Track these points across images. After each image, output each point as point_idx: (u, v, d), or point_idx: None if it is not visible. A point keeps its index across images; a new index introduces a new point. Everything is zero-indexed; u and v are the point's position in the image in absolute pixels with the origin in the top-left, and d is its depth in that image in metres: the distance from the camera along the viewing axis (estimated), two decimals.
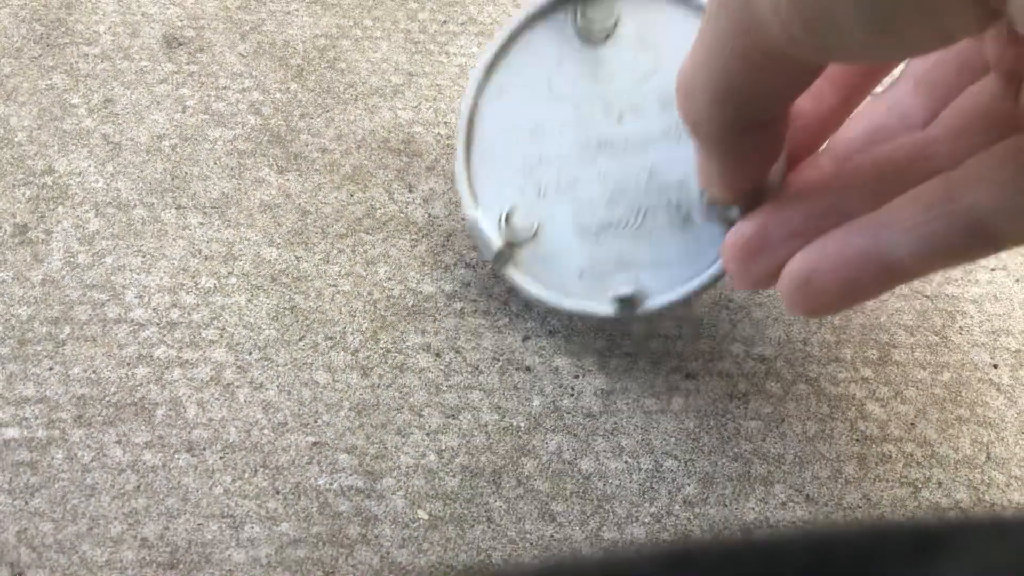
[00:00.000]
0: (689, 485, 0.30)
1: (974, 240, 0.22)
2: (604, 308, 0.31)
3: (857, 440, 0.32)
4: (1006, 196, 0.22)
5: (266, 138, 0.37)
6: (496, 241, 0.32)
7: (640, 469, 0.31)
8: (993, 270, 0.35)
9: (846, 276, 0.24)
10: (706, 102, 0.24)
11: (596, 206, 0.31)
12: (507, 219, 0.32)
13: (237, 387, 0.31)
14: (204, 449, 0.30)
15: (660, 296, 0.31)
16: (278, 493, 0.30)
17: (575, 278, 0.32)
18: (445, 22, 0.40)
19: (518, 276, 0.32)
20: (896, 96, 0.28)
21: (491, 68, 0.33)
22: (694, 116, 0.25)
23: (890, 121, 0.28)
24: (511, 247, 0.32)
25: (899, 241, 0.23)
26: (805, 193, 0.27)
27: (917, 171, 0.25)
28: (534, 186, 0.32)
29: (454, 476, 0.30)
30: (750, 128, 0.24)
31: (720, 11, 0.22)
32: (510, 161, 0.32)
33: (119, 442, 0.30)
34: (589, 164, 0.32)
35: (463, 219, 0.33)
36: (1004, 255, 0.36)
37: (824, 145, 0.30)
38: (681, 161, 0.31)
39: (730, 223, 0.29)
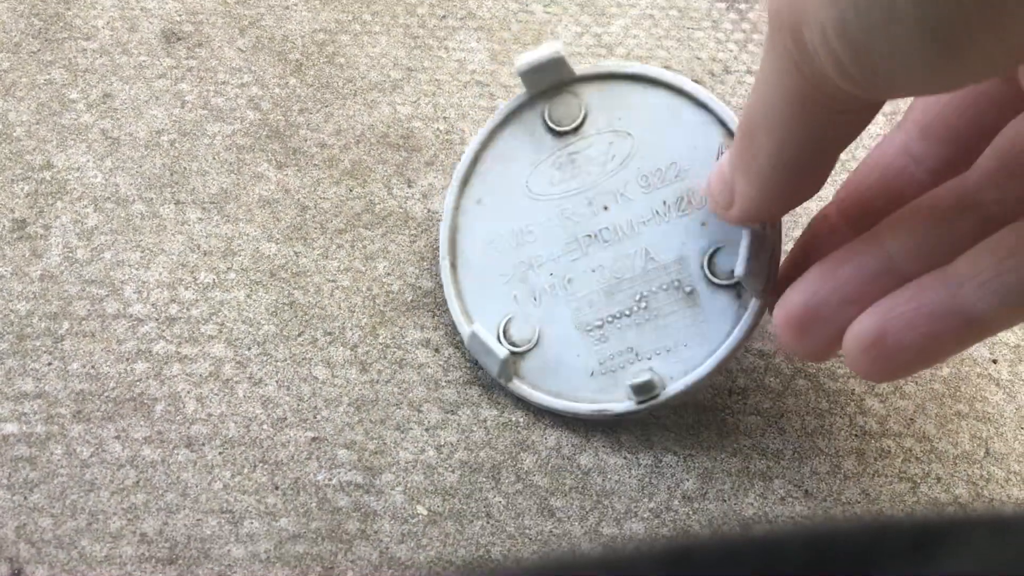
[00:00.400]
0: (688, 480, 0.30)
1: None
2: (621, 404, 0.30)
3: (856, 435, 0.32)
4: None
5: (265, 133, 0.37)
6: (499, 354, 0.31)
7: (639, 464, 0.31)
8: None
9: (924, 333, 0.23)
10: (767, 143, 0.24)
11: (595, 301, 0.31)
12: (505, 330, 0.31)
13: (236, 382, 0.31)
14: (203, 444, 0.30)
15: (679, 381, 0.30)
16: (277, 488, 0.30)
17: (586, 378, 0.31)
18: (444, 17, 0.40)
19: (526, 388, 0.31)
20: (903, 143, 0.28)
21: (465, 181, 0.33)
22: (753, 154, 0.24)
23: (905, 167, 0.28)
24: (515, 358, 0.31)
25: (979, 294, 0.23)
26: (848, 255, 0.26)
27: (967, 219, 0.25)
28: (528, 292, 0.31)
29: (453, 471, 0.30)
30: (805, 166, 0.24)
31: (772, 51, 0.21)
32: (499, 271, 0.32)
33: (118, 437, 0.30)
34: (581, 260, 0.31)
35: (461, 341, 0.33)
36: None
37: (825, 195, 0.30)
38: (675, 238, 0.30)
39: (736, 286, 0.29)
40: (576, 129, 0.31)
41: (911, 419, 0.32)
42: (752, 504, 0.30)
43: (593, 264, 0.31)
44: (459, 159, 0.35)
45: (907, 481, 0.31)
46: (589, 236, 0.31)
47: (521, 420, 0.31)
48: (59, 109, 0.37)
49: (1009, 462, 0.31)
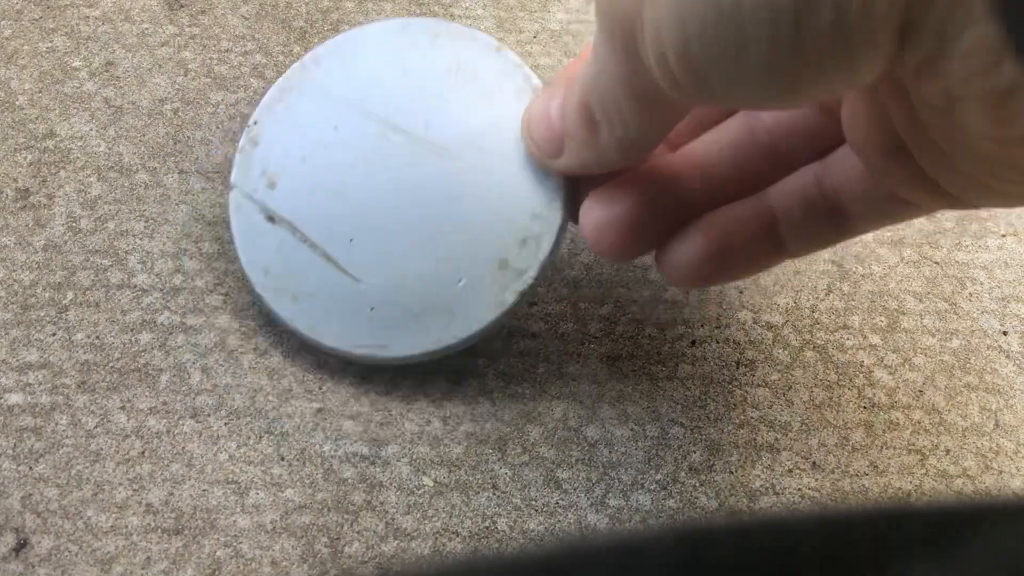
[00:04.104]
0: (695, 452, 0.30)
1: None
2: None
3: (864, 407, 0.31)
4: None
5: None
6: None
7: (646, 436, 0.31)
8: (1003, 236, 0.35)
9: None
10: (610, 127, 0.24)
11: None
12: None
13: (242, 353, 0.31)
14: (209, 415, 0.30)
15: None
16: (283, 459, 0.30)
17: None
18: None
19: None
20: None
21: None
22: (593, 130, 0.25)
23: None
24: None
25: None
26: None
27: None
28: None
29: (459, 443, 0.30)
30: (649, 144, 0.25)
31: (609, 49, 0.22)
32: None
33: (123, 408, 0.30)
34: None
35: None
36: (1015, 222, 0.35)
37: None
38: None
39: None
40: None
41: (920, 391, 0.32)
42: (759, 476, 0.30)
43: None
44: None
45: (916, 453, 0.31)
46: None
47: (528, 391, 0.31)
48: (62, 77, 0.36)
49: (1019, 434, 0.31)
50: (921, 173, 0.22)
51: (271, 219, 0.30)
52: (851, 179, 0.25)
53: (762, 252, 0.27)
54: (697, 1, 0.18)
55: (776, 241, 0.27)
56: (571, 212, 0.29)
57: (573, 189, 0.29)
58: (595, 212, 0.27)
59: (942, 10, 0.17)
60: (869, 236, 0.35)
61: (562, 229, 0.29)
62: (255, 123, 0.31)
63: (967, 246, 0.35)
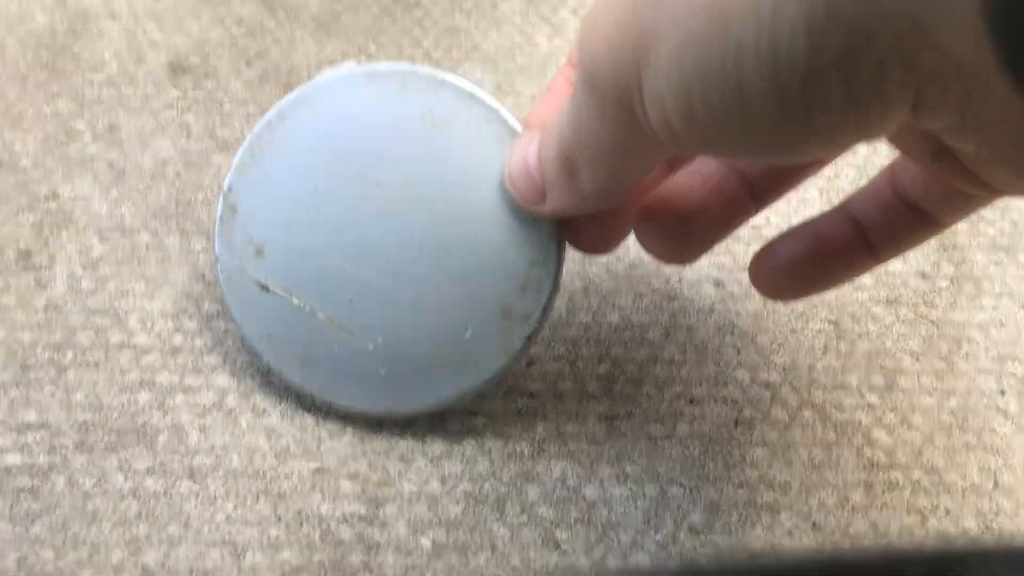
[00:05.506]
0: (695, 512, 0.30)
1: None
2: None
3: (864, 467, 0.31)
4: None
5: None
6: None
7: (645, 496, 0.30)
8: (999, 295, 0.35)
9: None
10: (590, 174, 0.24)
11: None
12: None
13: (239, 413, 0.31)
14: (206, 476, 0.30)
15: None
16: (280, 520, 0.29)
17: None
18: (449, 49, 0.40)
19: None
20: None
21: None
22: (572, 178, 0.25)
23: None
24: None
25: None
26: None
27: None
28: None
29: (457, 503, 0.30)
30: (630, 187, 0.25)
31: (593, 102, 0.22)
32: None
33: (121, 468, 0.30)
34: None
35: None
36: (1009, 282, 0.36)
37: None
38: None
39: None
40: None
41: (919, 451, 0.32)
42: (759, 537, 0.30)
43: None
44: None
45: (916, 513, 0.31)
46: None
47: (526, 451, 0.31)
48: (65, 139, 0.37)
49: (1018, 494, 0.31)
50: (968, 170, 0.22)
51: (265, 288, 0.30)
52: (917, 179, 0.26)
53: (855, 256, 0.27)
54: (702, 74, 0.18)
55: (867, 245, 0.27)
56: (565, 251, 0.29)
57: (567, 225, 0.29)
58: (650, 226, 0.28)
59: (958, 93, 0.17)
60: (864, 295, 0.35)
61: (559, 271, 0.29)
62: (230, 189, 0.30)
63: (963, 305, 0.35)
